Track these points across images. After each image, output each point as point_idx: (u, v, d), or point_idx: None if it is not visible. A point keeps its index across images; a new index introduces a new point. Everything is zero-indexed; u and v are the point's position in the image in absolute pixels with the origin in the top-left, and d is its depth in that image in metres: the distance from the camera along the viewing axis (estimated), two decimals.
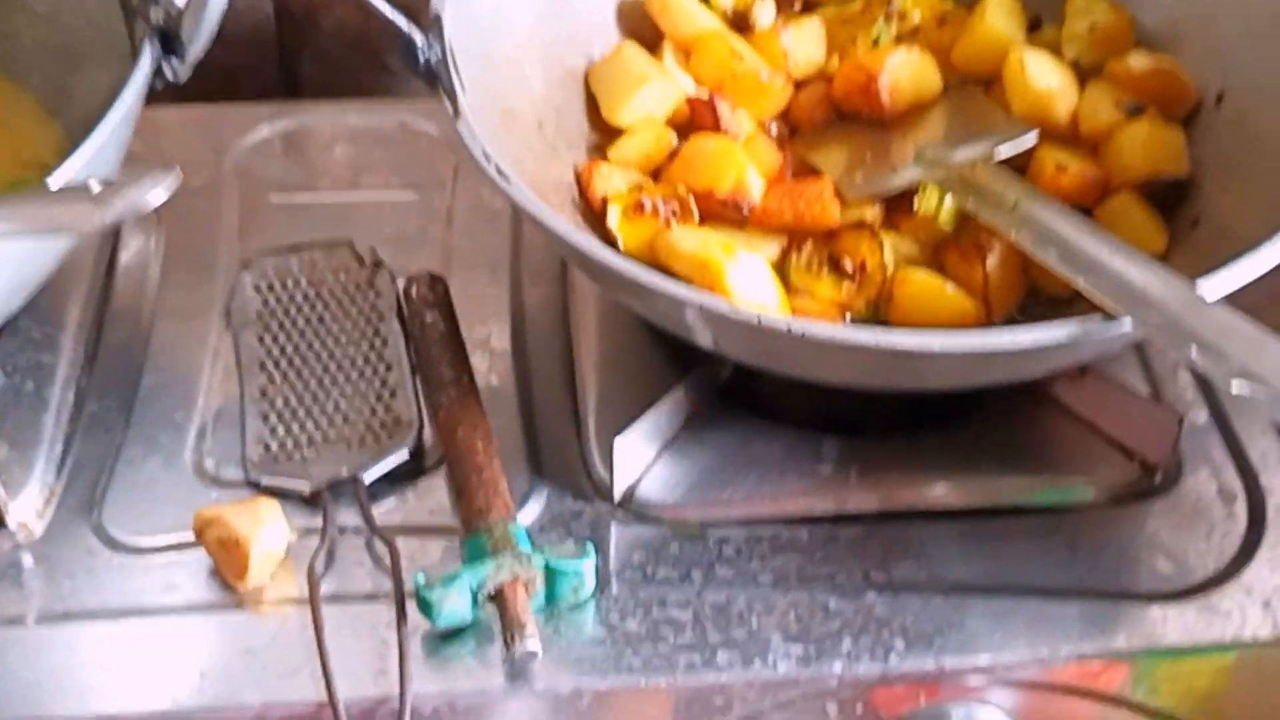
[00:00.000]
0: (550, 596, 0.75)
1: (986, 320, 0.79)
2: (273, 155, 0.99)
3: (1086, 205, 0.83)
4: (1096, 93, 0.86)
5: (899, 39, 0.91)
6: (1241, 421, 0.84)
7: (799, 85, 0.91)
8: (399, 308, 0.87)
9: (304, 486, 0.79)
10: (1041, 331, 0.70)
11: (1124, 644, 0.75)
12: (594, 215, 0.84)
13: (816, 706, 0.74)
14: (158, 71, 0.80)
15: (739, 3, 0.92)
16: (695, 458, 0.82)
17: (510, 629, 0.71)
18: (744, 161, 0.83)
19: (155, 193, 0.65)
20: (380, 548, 0.77)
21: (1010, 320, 0.80)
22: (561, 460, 0.82)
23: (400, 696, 0.71)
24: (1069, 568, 0.78)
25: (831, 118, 0.90)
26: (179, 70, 0.80)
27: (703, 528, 0.79)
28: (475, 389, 0.82)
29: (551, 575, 0.74)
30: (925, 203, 0.83)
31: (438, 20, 0.81)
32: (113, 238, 0.92)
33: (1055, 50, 0.89)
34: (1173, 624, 0.75)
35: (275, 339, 0.86)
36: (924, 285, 0.80)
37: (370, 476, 0.79)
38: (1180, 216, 0.84)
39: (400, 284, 0.88)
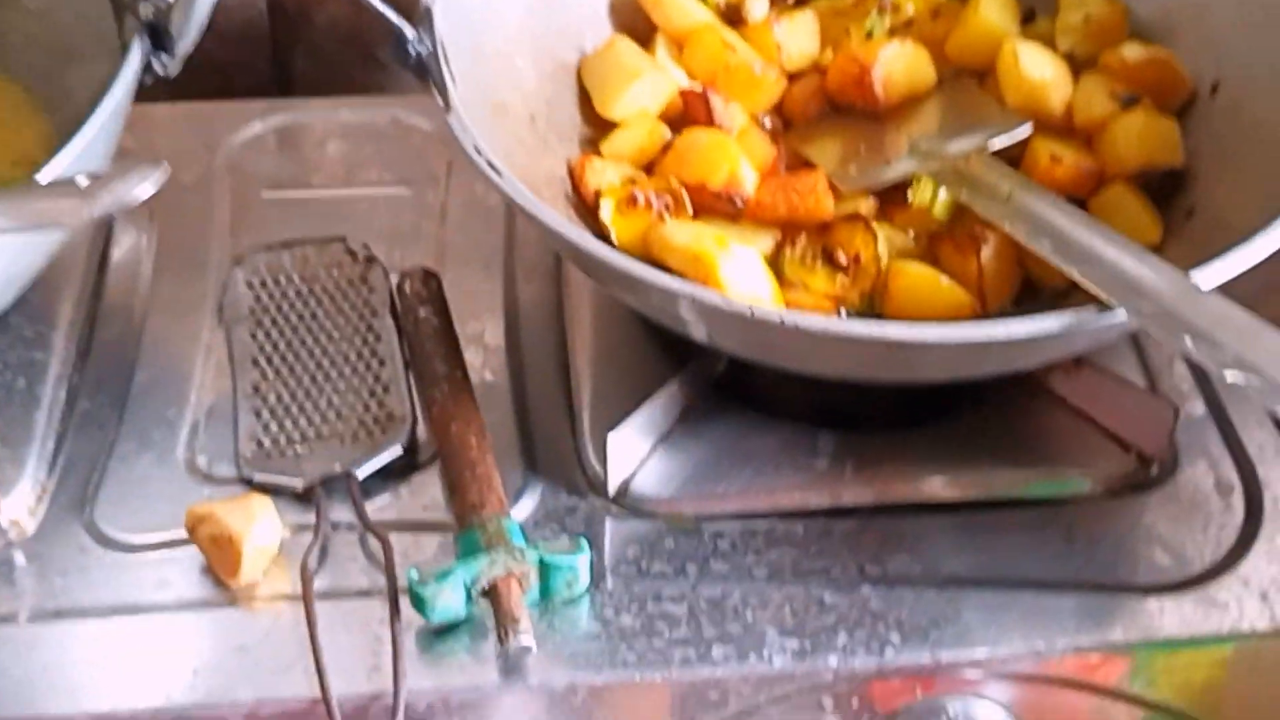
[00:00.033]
0: (544, 592, 0.74)
1: (981, 312, 0.79)
2: (265, 151, 0.99)
3: (1081, 197, 0.83)
4: (1091, 84, 0.86)
5: (893, 31, 0.91)
6: (1238, 413, 0.84)
7: (792, 78, 0.90)
8: (392, 303, 0.87)
9: (297, 483, 0.78)
10: (1035, 322, 0.69)
11: (1121, 636, 0.75)
12: (587, 209, 0.84)
13: (812, 701, 0.74)
14: (148, 67, 0.80)
15: None
16: (690, 452, 0.81)
17: (504, 624, 0.71)
18: (737, 155, 0.83)
19: (142, 187, 0.65)
20: (374, 544, 0.76)
21: (1005, 313, 0.80)
22: (556, 455, 0.82)
23: (394, 693, 0.70)
24: (1065, 560, 0.78)
25: (825, 111, 0.90)
26: (169, 65, 0.80)
27: (698, 522, 0.78)
28: (469, 384, 0.82)
29: (546, 570, 0.74)
30: (919, 195, 0.83)
31: (428, 13, 0.81)
32: (104, 234, 0.92)
33: (1049, 42, 0.89)
34: (1170, 616, 0.75)
35: (268, 335, 0.85)
36: (918, 277, 0.79)
37: (363, 472, 0.79)
38: (1175, 207, 0.83)
39: (393, 279, 0.88)
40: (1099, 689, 0.76)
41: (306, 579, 0.74)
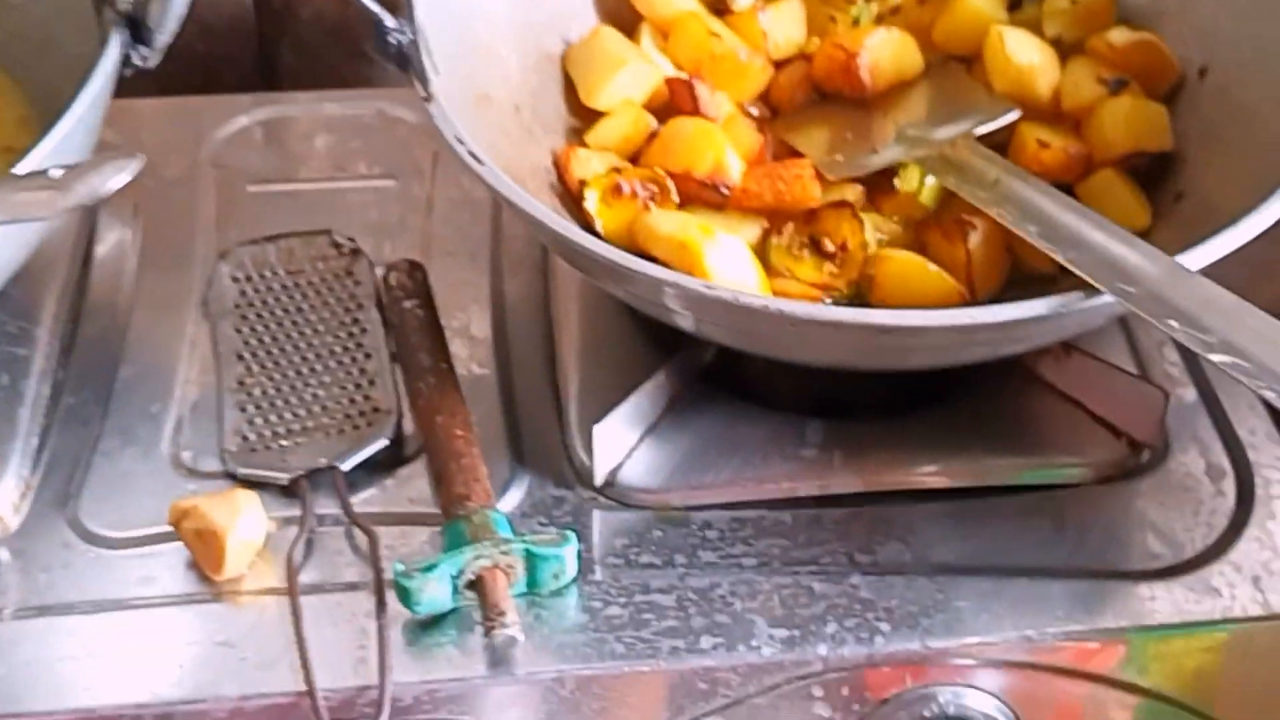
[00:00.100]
0: (531, 583, 0.74)
1: (969, 300, 0.79)
2: (250, 145, 0.99)
3: (1069, 182, 0.82)
4: (1078, 69, 0.86)
5: (879, 18, 0.90)
6: (1229, 398, 0.83)
7: (779, 66, 0.90)
8: (378, 296, 0.86)
9: (282, 476, 0.78)
10: (1021, 307, 0.69)
11: (1112, 623, 0.74)
12: (573, 200, 0.84)
13: (802, 690, 0.73)
14: (128, 60, 0.79)
15: None
16: (678, 443, 0.81)
17: (490, 616, 0.71)
18: (722, 143, 0.82)
19: (116, 178, 0.64)
20: (360, 537, 0.76)
21: (993, 299, 0.79)
22: (543, 447, 0.81)
23: (380, 686, 0.70)
24: (1056, 547, 0.77)
25: (812, 98, 0.89)
26: (149, 57, 0.79)
27: (686, 512, 0.78)
28: (454, 376, 0.82)
29: (532, 561, 0.73)
30: (907, 182, 0.82)
31: (409, 2, 0.80)
32: (89, 230, 0.92)
33: (1036, 27, 0.88)
34: (1161, 602, 0.75)
35: (253, 329, 0.85)
36: (905, 265, 0.79)
37: (349, 465, 0.78)
38: (1164, 192, 0.83)
39: (379, 272, 0.87)
40: (1091, 676, 0.76)
41: (292, 573, 0.74)
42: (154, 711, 0.70)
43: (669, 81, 0.87)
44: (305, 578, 0.74)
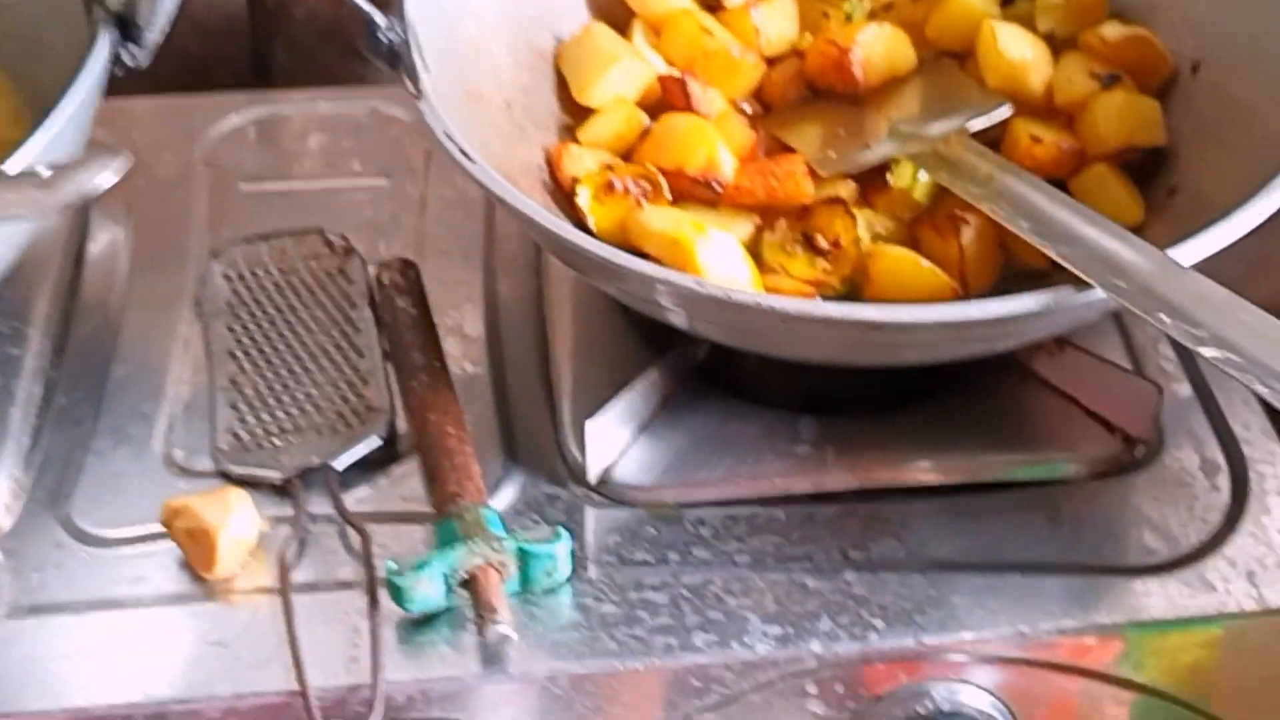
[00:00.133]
0: (524, 581, 0.74)
1: (962, 295, 0.78)
2: (243, 144, 0.99)
3: (1062, 177, 0.82)
4: (1071, 64, 0.85)
5: (872, 14, 0.90)
6: (1224, 394, 0.83)
7: (772, 63, 0.90)
8: (370, 294, 0.86)
9: (274, 475, 0.78)
10: (1012, 302, 0.69)
11: (1107, 618, 0.74)
12: (565, 198, 0.84)
13: (796, 687, 0.73)
14: (118, 59, 0.79)
15: None
16: (671, 440, 0.81)
17: (482, 614, 0.71)
18: (714, 140, 0.82)
19: (103, 176, 0.64)
20: (353, 535, 0.76)
21: (987, 295, 0.79)
22: (536, 444, 0.81)
23: (373, 684, 0.70)
24: (1051, 543, 0.77)
25: (805, 95, 0.89)
26: (138, 56, 0.79)
27: (679, 510, 0.78)
28: (447, 374, 0.82)
29: (525, 559, 0.73)
30: (899, 178, 0.82)
31: (400, 0, 0.80)
32: (81, 229, 0.92)
33: (1029, 23, 0.88)
34: (1156, 597, 0.74)
35: (245, 328, 0.85)
36: (898, 261, 0.79)
37: (341, 464, 0.78)
38: (1158, 187, 0.83)
39: (372, 271, 0.87)
40: (1086, 672, 0.75)
41: (284, 572, 0.74)
42: (147, 711, 0.70)
43: (661, 78, 0.87)
44: (298, 576, 0.74)
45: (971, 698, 0.75)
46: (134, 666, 0.72)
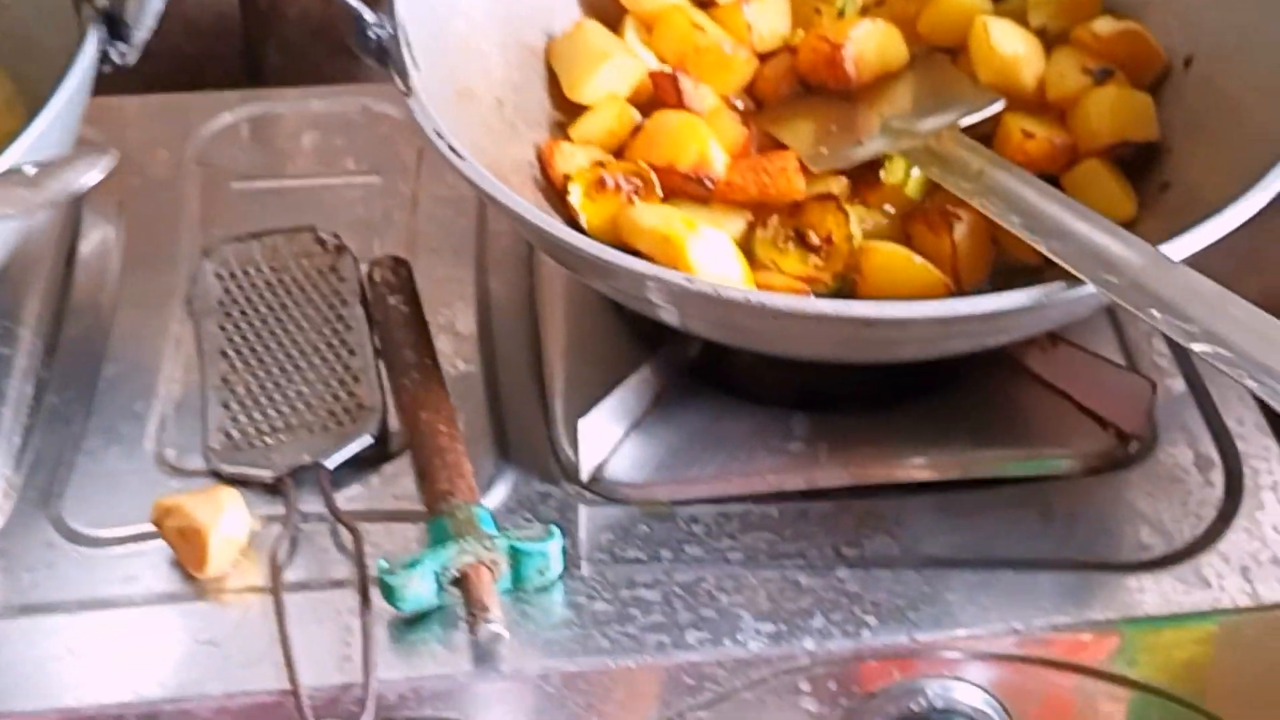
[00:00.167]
0: (516, 579, 0.74)
1: (955, 291, 0.78)
2: (235, 143, 0.98)
3: (1054, 173, 0.82)
4: (1063, 59, 0.85)
5: (864, 10, 0.90)
6: (1218, 389, 0.83)
7: (764, 59, 0.89)
8: (362, 292, 0.86)
9: (266, 474, 0.78)
10: (1004, 297, 0.69)
11: (1101, 614, 0.74)
12: (557, 195, 0.83)
13: (789, 684, 0.73)
14: (106, 57, 0.79)
15: None
16: (664, 437, 0.80)
17: (474, 612, 0.70)
18: (706, 136, 0.82)
19: (89, 174, 0.64)
20: (345, 534, 0.76)
21: (980, 291, 0.79)
22: (529, 442, 0.81)
23: (364, 683, 0.70)
24: (1044, 539, 0.77)
25: (798, 91, 0.89)
26: (127, 54, 0.79)
27: (672, 507, 0.78)
28: (439, 372, 0.81)
29: (517, 557, 0.73)
30: (891, 174, 0.82)
31: None
32: (73, 228, 0.92)
33: (1021, 18, 0.88)
34: (1150, 593, 0.74)
35: (237, 326, 0.85)
36: (890, 257, 0.78)
37: (333, 462, 0.78)
38: (1150, 182, 0.83)
39: (364, 268, 0.87)
40: (1080, 668, 0.75)
41: (275, 571, 0.73)
42: (138, 711, 0.70)
43: (653, 75, 0.87)
44: (290, 575, 0.74)
45: (965, 695, 0.74)
46: (125, 666, 0.72)
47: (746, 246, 0.81)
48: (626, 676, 0.72)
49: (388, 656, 0.71)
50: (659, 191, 0.82)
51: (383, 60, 0.79)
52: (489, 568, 0.72)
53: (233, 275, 0.87)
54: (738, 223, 0.82)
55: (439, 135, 0.75)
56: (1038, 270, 0.77)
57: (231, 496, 0.75)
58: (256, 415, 0.80)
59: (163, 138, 0.98)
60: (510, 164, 0.83)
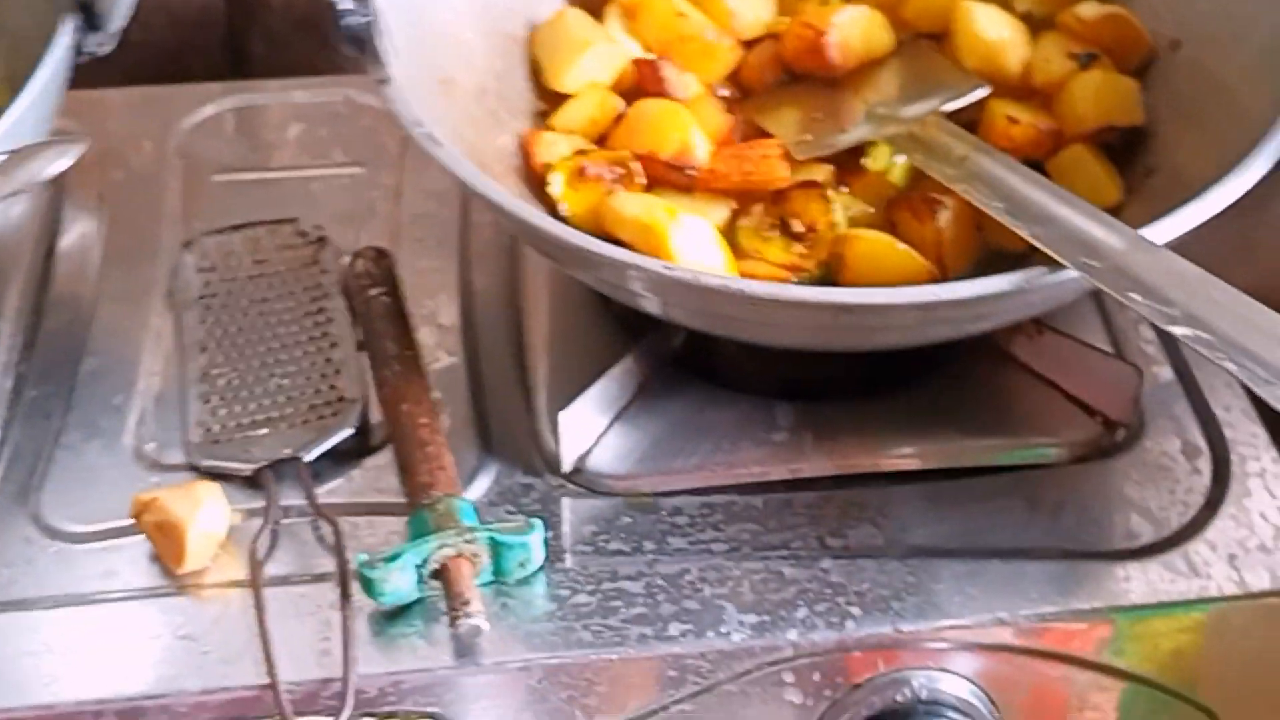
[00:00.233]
0: (498, 571, 0.73)
1: (940, 279, 0.77)
2: (217, 135, 0.98)
3: (1040, 159, 0.81)
4: (1048, 44, 0.85)
5: None
6: (1206, 376, 0.82)
7: (750, 46, 0.89)
8: (344, 284, 0.85)
9: (245, 468, 0.77)
10: (985, 282, 0.68)
11: (1088, 603, 0.73)
12: (540, 185, 0.83)
13: (773, 676, 0.72)
14: (83, 47, 0.79)
15: None
16: (647, 428, 0.80)
17: (454, 605, 0.70)
18: (688, 123, 0.81)
19: (57, 163, 0.63)
20: (325, 528, 0.75)
21: (966, 278, 0.78)
22: (511, 434, 0.80)
23: (344, 677, 0.69)
24: (1031, 528, 0.76)
25: (783, 79, 0.88)
26: (103, 43, 0.78)
27: (655, 498, 0.77)
28: (419, 364, 0.81)
29: (498, 550, 0.72)
30: (875, 161, 0.81)
31: None
32: (53, 222, 0.91)
33: (1006, 4, 0.87)
34: (1137, 582, 0.74)
35: (218, 319, 0.84)
36: (874, 244, 0.78)
37: (312, 455, 0.77)
38: (1136, 167, 0.82)
39: (345, 260, 0.86)
40: (1067, 658, 0.75)
41: (255, 565, 0.73)
42: (116, 707, 0.70)
43: (636, 62, 0.86)
44: (271, 569, 0.74)
45: (951, 685, 0.74)
46: (104, 662, 0.71)
47: (731, 235, 0.80)
48: (609, 669, 0.72)
49: (368, 650, 0.71)
50: (641, 180, 0.81)
51: (360, 49, 0.78)
52: (469, 560, 0.71)
53: (214, 268, 0.87)
54: (722, 211, 0.81)
55: (417, 123, 0.74)
56: (1024, 257, 0.76)
57: (210, 491, 0.74)
58: (237, 408, 0.80)
59: (144, 130, 0.97)
60: (493, 153, 0.83)
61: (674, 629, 0.72)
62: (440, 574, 0.71)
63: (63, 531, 0.76)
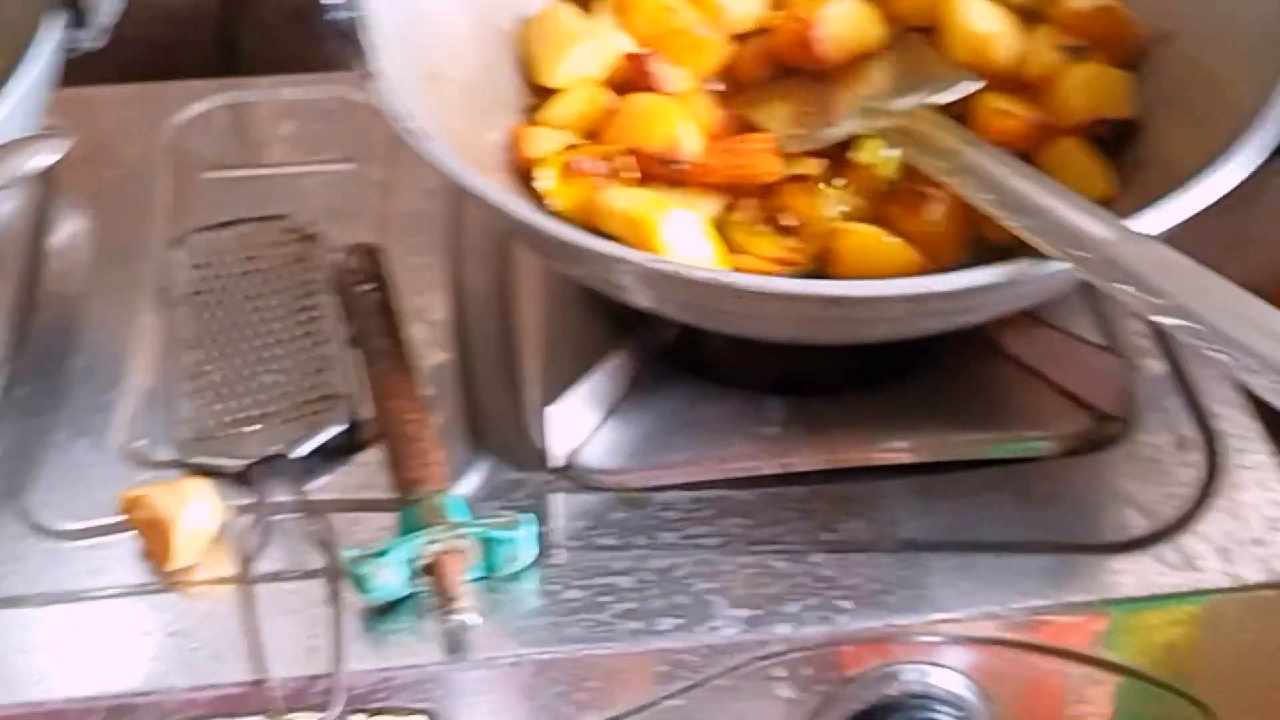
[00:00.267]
0: (489, 566, 0.73)
1: (932, 271, 0.77)
2: (208, 131, 0.98)
3: (1031, 152, 0.81)
4: (1039, 36, 0.84)
5: None
6: (1198, 370, 0.82)
7: (742, 40, 0.89)
8: (334, 280, 0.85)
9: (234, 464, 0.77)
10: (972, 274, 0.68)
11: (1079, 596, 0.73)
12: (529, 180, 0.82)
13: (764, 671, 0.72)
14: (72, 43, 0.78)
15: None
16: (639, 423, 0.80)
17: (444, 601, 0.70)
18: (675, 118, 0.81)
19: (40, 157, 0.63)
20: (315, 524, 0.75)
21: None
22: (503, 430, 0.80)
23: (334, 673, 0.69)
24: (1022, 521, 0.76)
25: (776, 73, 0.88)
26: (94, 38, 0.78)
27: (646, 493, 0.77)
28: (410, 359, 0.81)
29: (489, 545, 0.72)
30: (865, 155, 0.81)
31: None
32: (43, 219, 0.91)
33: None
34: (1129, 575, 0.74)
35: (211, 316, 0.84)
36: (864, 238, 0.78)
37: (302, 452, 0.77)
38: (1128, 160, 0.82)
39: (335, 257, 0.86)
40: (1059, 652, 0.75)
41: (244, 561, 0.73)
42: (105, 704, 0.69)
43: (626, 57, 0.86)
44: (261, 566, 0.74)
45: (943, 679, 0.74)
46: (93, 659, 0.71)
47: (723, 230, 0.80)
48: (600, 664, 0.71)
49: (359, 646, 0.70)
50: (634, 175, 0.81)
51: (346, 43, 0.78)
52: (459, 556, 0.71)
53: (204, 265, 0.87)
54: (714, 206, 0.81)
55: (404, 118, 0.74)
56: (1015, 250, 0.76)
57: (198, 487, 0.74)
58: (227, 404, 0.80)
59: (135, 127, 0.97)
60: (484, 148, 0.82)
61: (665, 624, 0.72)
62: (431, 570, 0.71)
63: (52, 529, 0.76)
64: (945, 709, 0.74)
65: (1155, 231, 0.68)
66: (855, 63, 0.87)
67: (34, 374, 0.83)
